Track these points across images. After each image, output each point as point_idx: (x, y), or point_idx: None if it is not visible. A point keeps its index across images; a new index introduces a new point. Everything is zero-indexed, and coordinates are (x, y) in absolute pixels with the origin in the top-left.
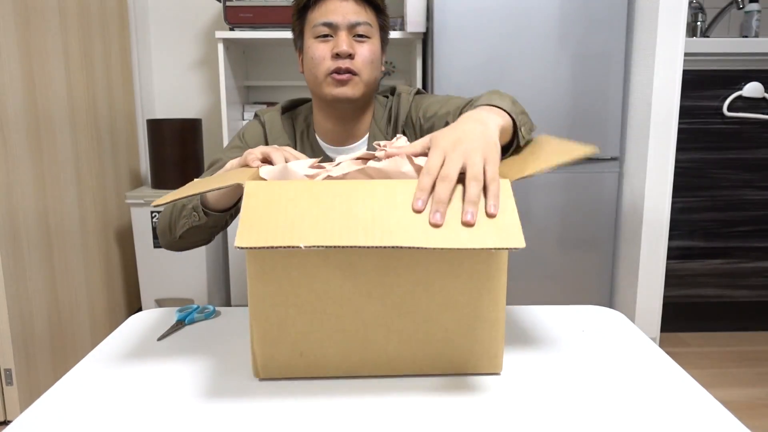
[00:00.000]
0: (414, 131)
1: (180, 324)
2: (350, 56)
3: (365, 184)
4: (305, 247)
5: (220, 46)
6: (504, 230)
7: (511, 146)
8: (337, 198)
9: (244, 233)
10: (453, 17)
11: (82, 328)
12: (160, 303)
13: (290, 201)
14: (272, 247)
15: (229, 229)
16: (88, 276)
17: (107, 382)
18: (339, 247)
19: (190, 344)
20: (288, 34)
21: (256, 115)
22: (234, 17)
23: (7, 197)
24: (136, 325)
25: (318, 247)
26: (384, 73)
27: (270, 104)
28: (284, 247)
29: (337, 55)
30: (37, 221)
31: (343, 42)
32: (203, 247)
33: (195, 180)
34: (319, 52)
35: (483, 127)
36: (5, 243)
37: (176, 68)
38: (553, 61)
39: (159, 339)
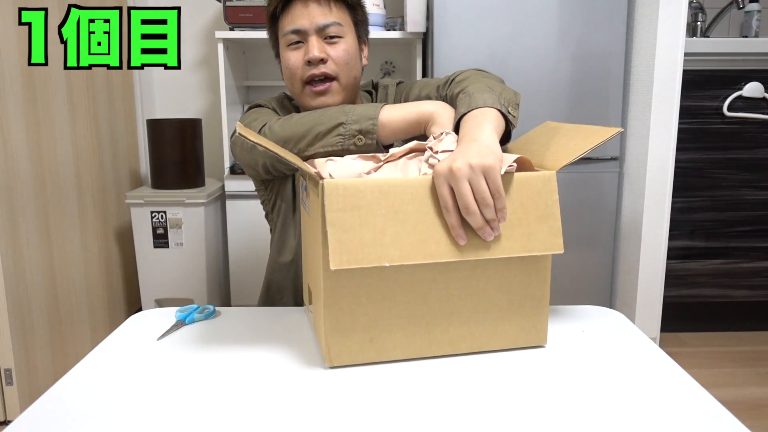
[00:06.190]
0: None
1: (180, 324)
2: (323, 60)
3: (429, 187)
4: (389, 264)
5: (220, 46)
6: (551, 234)
7: (509, 132)
8: (411, 205)
9: (335, 255)
10: (453, 17)
11: (82, 328)
12: (160, 303)
13: (370, 211)
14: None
15: (229, 229)
16: (88, 276)
17: (107, 382)
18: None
19: (190, 344)
20: None
21: (259, 105)
22: (234, 17)
23: (7, 197)
24: (136, 325)
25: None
26: (384, 73)
27: None
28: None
29: (309, 62)
30: (37, 221)
31: (314, 47)
32: (203, 247)
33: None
34: (292, 60)
35: (477, 145)
36: (5, 243)
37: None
38: (553, 61)
39: (159, 339)
